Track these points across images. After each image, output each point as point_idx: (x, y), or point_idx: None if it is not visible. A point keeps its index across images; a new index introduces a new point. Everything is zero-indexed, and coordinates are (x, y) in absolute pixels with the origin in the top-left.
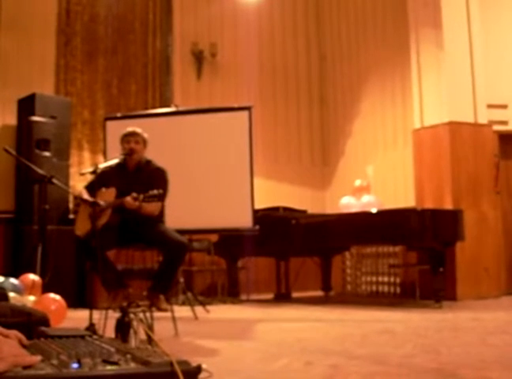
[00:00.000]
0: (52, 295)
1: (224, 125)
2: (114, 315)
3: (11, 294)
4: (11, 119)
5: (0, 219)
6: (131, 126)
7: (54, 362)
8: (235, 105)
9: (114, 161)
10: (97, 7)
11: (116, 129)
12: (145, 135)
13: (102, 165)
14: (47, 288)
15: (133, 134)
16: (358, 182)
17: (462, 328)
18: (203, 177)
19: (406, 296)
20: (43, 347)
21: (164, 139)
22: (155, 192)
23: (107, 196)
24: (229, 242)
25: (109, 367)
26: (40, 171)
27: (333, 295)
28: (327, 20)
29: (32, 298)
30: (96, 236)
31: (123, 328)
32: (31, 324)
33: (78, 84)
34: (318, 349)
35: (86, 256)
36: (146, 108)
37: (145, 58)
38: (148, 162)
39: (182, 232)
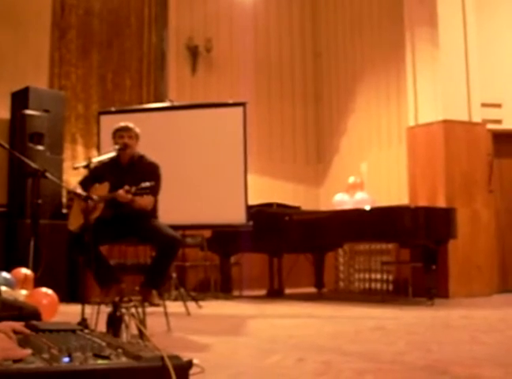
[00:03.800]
0: (44, 289)
1: (219, 121)
2: (106, 310)
3: (3, 288)
4: (4, 112)
5: None
6: (125, 121)
7: (45, 355)
8: (230, 101)
9: (108, 155)
10: (92, 1)
11: (110, 124)
12: (137, 130)
13: (95, 159)
14: (39, 282)
15: (126, 129)
16: (352, 179)
17: (454, 326)
18: (197, 172)
19: (399, 293)
20: (33, 340)
21: (158, 134)
22: (147, 184)
23: (101, 190)
24: (222, 238)
25: (100, 361)
26: (33, 165)
27: (325, 292)
28: (323, 17)
29: (23, 292)
30: (89, 231)
31: (115, 323)
32: (22, 318)
33: (72, 78)
34: (311, 345)
35: (79, 250)
36: (141, 103)
37: (140, 52)
38: (141, 157)
39: (175, 227)
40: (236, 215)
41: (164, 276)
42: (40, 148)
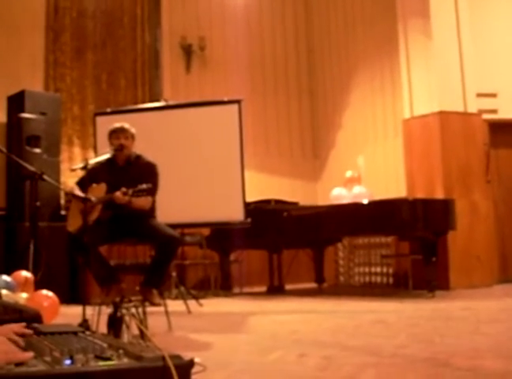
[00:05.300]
0: (45, 292)
1: (214, 119)
2: (107, 311)
3: (3, 292)
4: (1, 116)
5: None
6: (121, 121)
7: (47, 358)
8: (225, 98)
9: (104, 156)
10: (85, 3)
11: (106, 125)
12: (133, 130)
13: (92, 160)
14: (39, 285)
15: (122, 130)
16: (349, 173)
17: (455, 318)
18: (194, 171)
19: (399, 286)
20: (35, 343)
21: (154, 133)
22: (144, 186)
23: (98, 191)
24: (221, 236)
25: (102, 363)
26: (31, 168)
27: (326, 287)
28: (315, 11)
29: (24, 295)
30: (88, 232)
31: (115, 324)
32: (23, 321)
33: (68, 80)
34: (312, 341)
35: (78, 252)
36: (136, 103)
37: (134, 52)
38: (138, 156)
39: (174, 226)
40: (234, 213)
41: (164, 275)
42: (37, 150)
